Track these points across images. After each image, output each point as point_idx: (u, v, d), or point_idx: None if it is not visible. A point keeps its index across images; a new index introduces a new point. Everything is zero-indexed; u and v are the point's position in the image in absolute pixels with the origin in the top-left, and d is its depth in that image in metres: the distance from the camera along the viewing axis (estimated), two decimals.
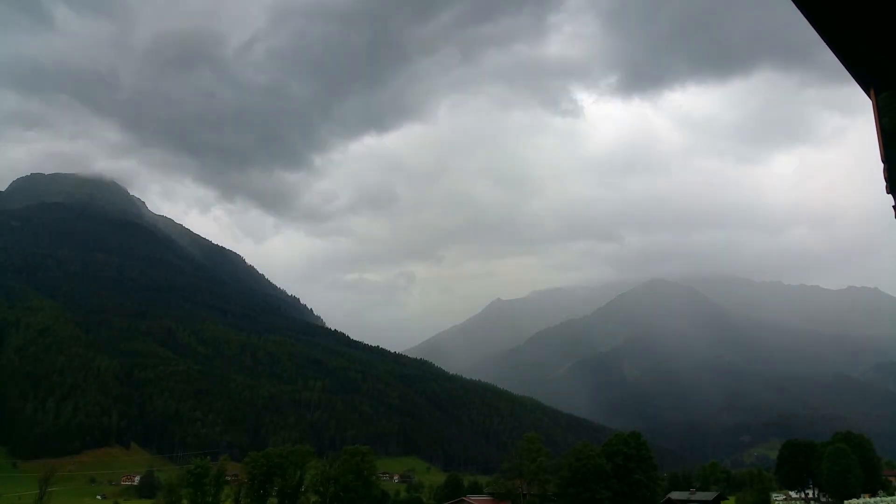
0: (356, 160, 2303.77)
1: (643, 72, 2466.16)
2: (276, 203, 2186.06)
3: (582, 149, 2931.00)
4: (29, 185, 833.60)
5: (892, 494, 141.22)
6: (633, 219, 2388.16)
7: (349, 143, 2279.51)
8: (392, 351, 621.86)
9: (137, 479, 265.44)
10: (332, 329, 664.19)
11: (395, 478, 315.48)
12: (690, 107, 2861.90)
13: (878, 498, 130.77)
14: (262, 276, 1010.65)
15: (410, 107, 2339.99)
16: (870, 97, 8.31)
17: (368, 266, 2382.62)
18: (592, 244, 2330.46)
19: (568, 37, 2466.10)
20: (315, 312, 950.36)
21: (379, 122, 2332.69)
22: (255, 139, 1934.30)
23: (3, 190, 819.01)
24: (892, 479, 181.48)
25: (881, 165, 8.56)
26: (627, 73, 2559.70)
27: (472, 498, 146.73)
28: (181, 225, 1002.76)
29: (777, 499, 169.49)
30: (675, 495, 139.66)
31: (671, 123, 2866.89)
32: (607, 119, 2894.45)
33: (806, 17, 7.27)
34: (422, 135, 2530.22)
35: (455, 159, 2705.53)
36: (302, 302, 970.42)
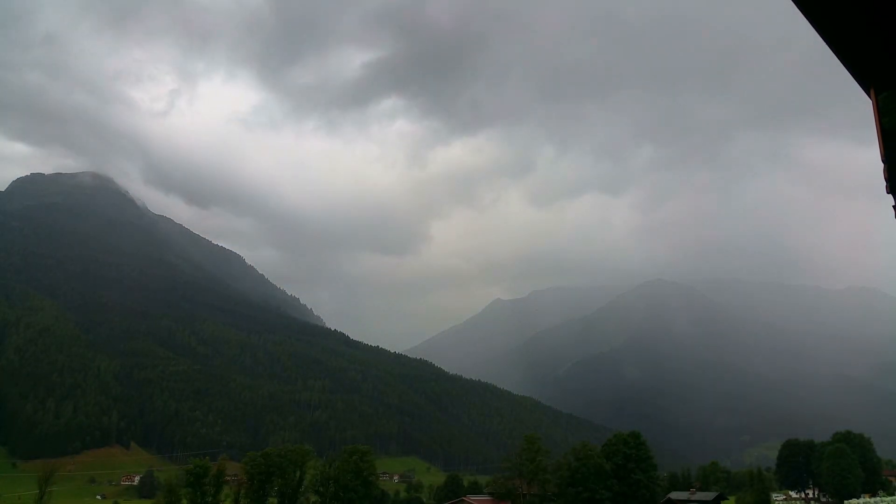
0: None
1: None
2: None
3: None
4: (29, 185, 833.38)
5: (892, 494, 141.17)
6: None
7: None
8: (392, 351, 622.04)
9: (137, 479, 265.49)
10: (332, 329, 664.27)
11: (395, 478, 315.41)
12: None
13: (878, 498, 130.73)
14: (262, 276, 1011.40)
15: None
16: (870, 97, 8.30)
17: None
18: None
19: None
20: (315, 312, 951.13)
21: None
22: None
23: (3, 190, 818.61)
24: (892, 479, 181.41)
25: (881, 165, 8.55)
26: None
27: (472, 498, 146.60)
28: (181, 225, 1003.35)
29: (777, 499, 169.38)
30: (675, 495, 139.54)
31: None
32: None
33: (806, 17, 7.24)
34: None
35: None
36: (302, 302, 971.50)
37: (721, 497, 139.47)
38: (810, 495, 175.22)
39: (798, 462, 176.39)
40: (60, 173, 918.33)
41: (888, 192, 8.63)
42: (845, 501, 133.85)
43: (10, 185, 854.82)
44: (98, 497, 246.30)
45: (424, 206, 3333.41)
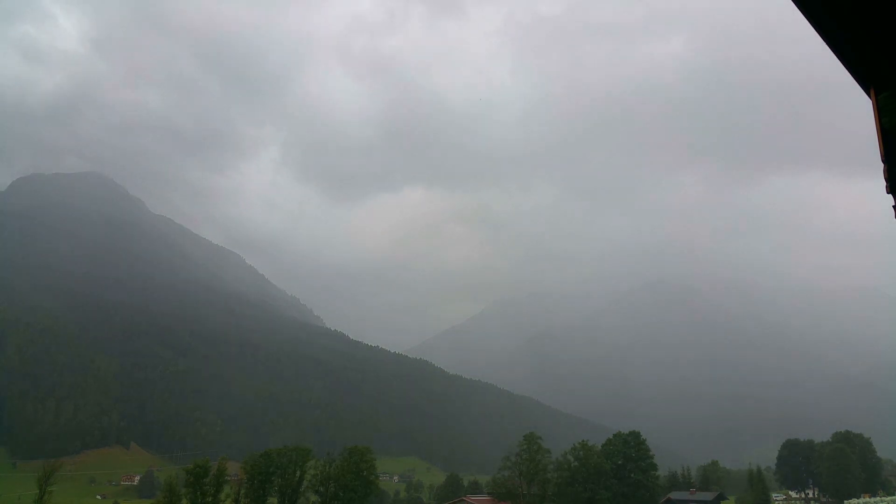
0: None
1: None
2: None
3: None
4: (29, 185, 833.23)
5: (892, 494, 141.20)
6: None
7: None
8: (392, 351, 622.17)
9: (137, 479, 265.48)
10: (332, 329, 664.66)
11: (395, 478, 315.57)
12: None
13: (878, 498, 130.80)
14: (262, 275, 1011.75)
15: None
16: (870, 97, 8.32)
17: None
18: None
19: None
20: (315, 312, 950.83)
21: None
22: None
23: (3, 190, 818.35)
24: (892, 479, 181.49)
25: (882, 165, 8.56)
26: None
27: (472, 498, 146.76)
28: (181, 225, 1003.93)
29: (777, 499, 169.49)
30: (675, 495, 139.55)
31: None
32: None
33: (806, 17, 7.28)
34: None
35: None
36: (302, 302, 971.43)
37: (721, 497, 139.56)
38: (810, 495, 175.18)
39: (798, 462, 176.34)
40: (60, 173, 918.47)
41: (888, 192, 8.65)
42: (845, 501, 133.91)
43: (10, 185, 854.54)
44: (98, 497, 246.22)
45: (424, 236, 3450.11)
